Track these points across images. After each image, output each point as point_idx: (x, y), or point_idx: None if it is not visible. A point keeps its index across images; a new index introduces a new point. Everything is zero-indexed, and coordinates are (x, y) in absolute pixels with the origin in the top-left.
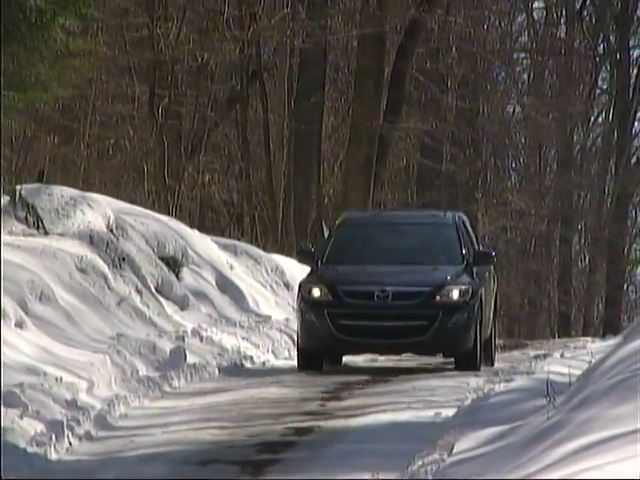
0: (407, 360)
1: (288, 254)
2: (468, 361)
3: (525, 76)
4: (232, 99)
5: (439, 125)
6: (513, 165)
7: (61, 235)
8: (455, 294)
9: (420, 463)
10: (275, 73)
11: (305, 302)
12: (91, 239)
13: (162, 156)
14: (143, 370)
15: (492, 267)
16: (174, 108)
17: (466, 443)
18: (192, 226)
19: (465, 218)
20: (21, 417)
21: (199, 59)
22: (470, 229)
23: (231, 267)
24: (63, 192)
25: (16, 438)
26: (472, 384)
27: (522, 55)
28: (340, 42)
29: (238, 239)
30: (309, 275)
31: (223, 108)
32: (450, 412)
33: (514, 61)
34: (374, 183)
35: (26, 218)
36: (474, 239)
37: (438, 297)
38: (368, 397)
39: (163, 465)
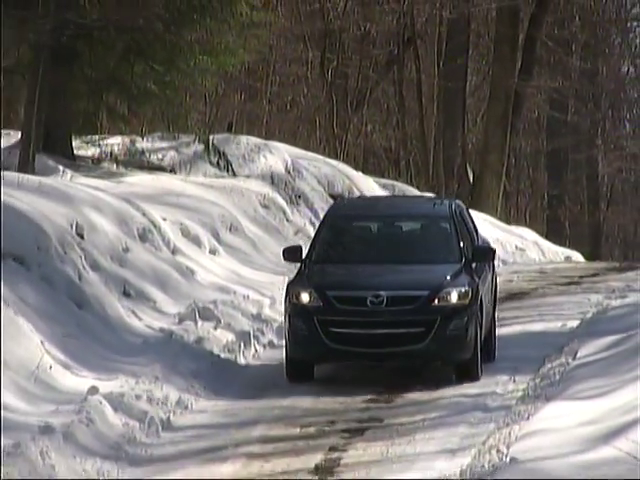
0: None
1: (437, 192)
2: (468, 370)
3: (637, 41)
4: (390, 61)
5: (565, 83)
6: (628, 116)
7: (247, 176)
8: (454, 297)
9: (549, 366)
10: (426, 39)
11: (293, 307)
12: (272, 179)
13: (331, 110)
14: None
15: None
16: (341, 69)
17: (587, 349)
18: (357, 169)
19: (462, 206)
20: (215, 328)
21: (362, 28)
22: (468, 218)
23: None
24: (248, 141)
25: (211, 346)
26: (593, 300)
27: (635, 23)
28: (481, 12)
29: (395, 180)
30: (297, 276)
31: (382, 69)
32: (574, 323)
33: (628, 28)
34: (510, 132)
35: (218, 163)
36: (472, 230)
37: (436, 301)
38: (506, 311)
39: (336, 365)
